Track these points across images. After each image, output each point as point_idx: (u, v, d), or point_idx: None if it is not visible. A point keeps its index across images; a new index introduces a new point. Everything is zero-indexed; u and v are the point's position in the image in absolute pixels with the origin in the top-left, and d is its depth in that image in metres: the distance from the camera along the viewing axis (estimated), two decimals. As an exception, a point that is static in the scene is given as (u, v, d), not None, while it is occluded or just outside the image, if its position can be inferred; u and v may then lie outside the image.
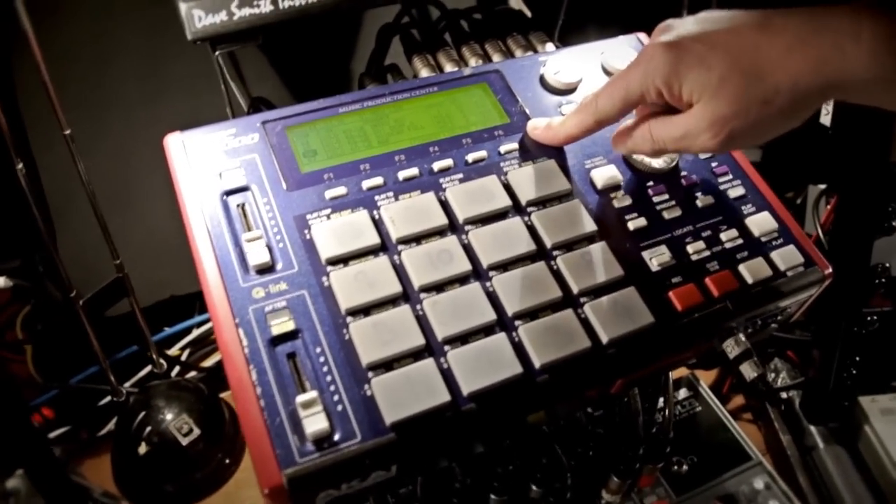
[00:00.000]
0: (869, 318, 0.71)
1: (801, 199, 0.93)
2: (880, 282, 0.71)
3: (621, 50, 0.56)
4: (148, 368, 0.78)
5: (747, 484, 0.63)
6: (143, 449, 0.69)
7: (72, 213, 0.72)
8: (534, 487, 0.54)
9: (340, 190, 0.44)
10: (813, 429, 0.73)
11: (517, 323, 0.41)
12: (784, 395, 0.77)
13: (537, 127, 0.48)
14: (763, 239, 0.48)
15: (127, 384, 0.81)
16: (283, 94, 0.82)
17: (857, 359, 0.71)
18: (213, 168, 0.45)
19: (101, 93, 0.75)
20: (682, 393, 0.71)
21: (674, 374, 0.74)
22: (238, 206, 0.43)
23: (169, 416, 0.71)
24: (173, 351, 0.85)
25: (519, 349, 0.40)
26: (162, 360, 0.74)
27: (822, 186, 0.78)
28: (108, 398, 0.71)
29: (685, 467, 0.64)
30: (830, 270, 0.47)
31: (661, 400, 0.57)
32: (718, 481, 0.63)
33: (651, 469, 0.58)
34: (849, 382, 0.72)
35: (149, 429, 0.70)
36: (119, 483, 0.73)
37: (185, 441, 0.69)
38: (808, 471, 0.71)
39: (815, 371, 0.74)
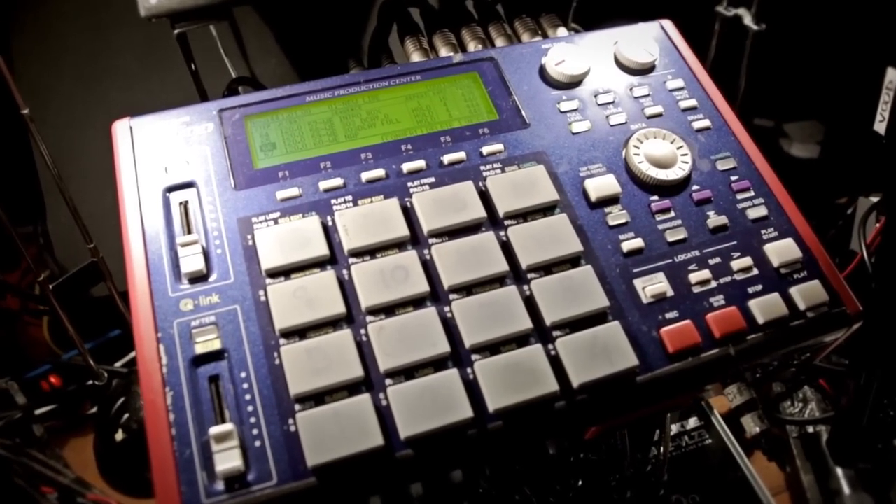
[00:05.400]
0: (914, 354, 0.62)
1: (853, 209, 0.83)
2: (930, 315, 0.62)
3: (639, 39, 0.49)
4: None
5: (753, 532, 0.57)
6: (120, 436, 0.68)
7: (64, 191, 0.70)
8: (507, 522, 0.49)
9: (294, 191, 0.40)
10: (839, 471, 0.65)
11: (474, 357, 0.35)
12: (811, 429, 0.70)
13: None
14: (783, 270, 0.41)
15: (118, 363, 0.79)
16: (287, 72, 0.78)
17: (897, 398, 0.63)
18: (159, 160, 0.41)
19: (100, 65, 0.72)
20: (692, 422, 0.65)
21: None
22: (180, 204, 0.39)
23: (149, 404, 0.69)
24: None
25: (472, 389, 0.34)
26: (147, 345, 0.72)
27: (874, 200, 0.69)
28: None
29: (685, 507, 0.58)
30: (861, 311, 0.40)
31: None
32: (721, 526, 0.57)
33: (642, 510, 0.52)
34: (885, 422, 0.64)
35: (127, 415, 0.68)
36: (100, 467, 0.71)
37: (162, 431, 0.67)
38: (829, 517, 0.64)
39: (848, 405, 0.66)
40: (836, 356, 0.73)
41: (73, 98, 0.72)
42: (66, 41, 0.68)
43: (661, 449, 0.50)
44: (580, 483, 0.52)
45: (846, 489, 0.64)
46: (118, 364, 0.79)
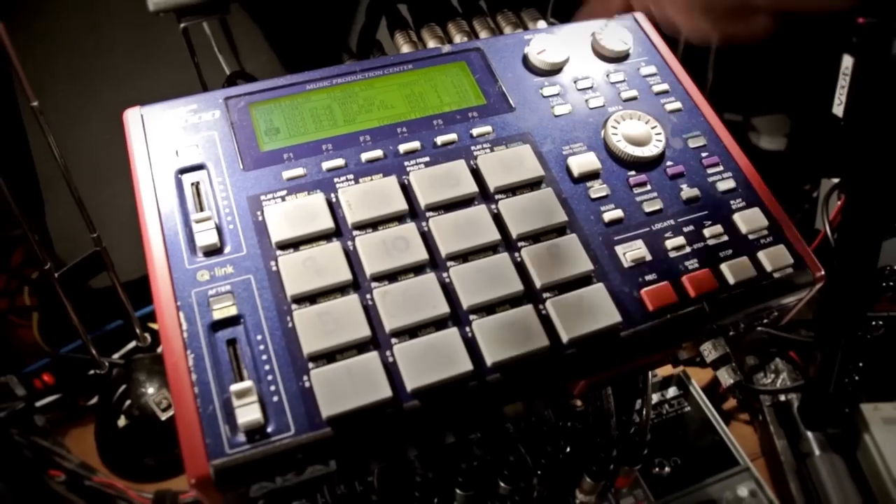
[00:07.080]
0: (874, 323, 0.67)
1: (817, 192, 0.88)
2: (887, 285, 0.67)
3: (614, 30, 0.52)
4: (134, 342, 0.78)
5: (731, 490, 0.60)
6: (122, 422, 0.69)
7: (63, 184, 0.72)
8: (501, 484, 0.52)
9: (298, 171, 0.42)
10: (810, 434, 0.70)
11: (472, 317, 0.39)
12: (783, 397, 0.74)
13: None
14: (750, 237, 0.44)
15: (116, 355, 0.81)
16: (276, 68, 0.80)
17: (861, 364, 0.68)
18: (170, 145, 0.43)
19: (95, 62, 0.74)
20: (672, 391, 0.69)
21: (663, 372, 0.71)
22: (192, 184, 0.42)
23: (150, 391, 0.71)
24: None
25: (471, 345, 0.37)
26: (146, 334, 0.74)
27: (836, 180, 0.74)
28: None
29: (667, 469, 0.62)
30: (822, 274, 0.44)
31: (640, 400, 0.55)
32: (701, 486, 0.61)
33: (627, 471, 0.56)
34: (851, 388, 0.69)
35: (129, 402, 0.70)
36: (102, 454, 0.73)
37: (164, 416, 0.69)
38: (801, 478, 0.68)
39: (816, 374, 0.71)
40: (804, 329, 0.78)
41: (68, 96, 0.73)
42: (61, 39, 0.70)
43: (644, 412, 0.53)
44: (568, 449, 0.55)
45: (817, 451, 0.68)
46: (115, 356, 0.81)
